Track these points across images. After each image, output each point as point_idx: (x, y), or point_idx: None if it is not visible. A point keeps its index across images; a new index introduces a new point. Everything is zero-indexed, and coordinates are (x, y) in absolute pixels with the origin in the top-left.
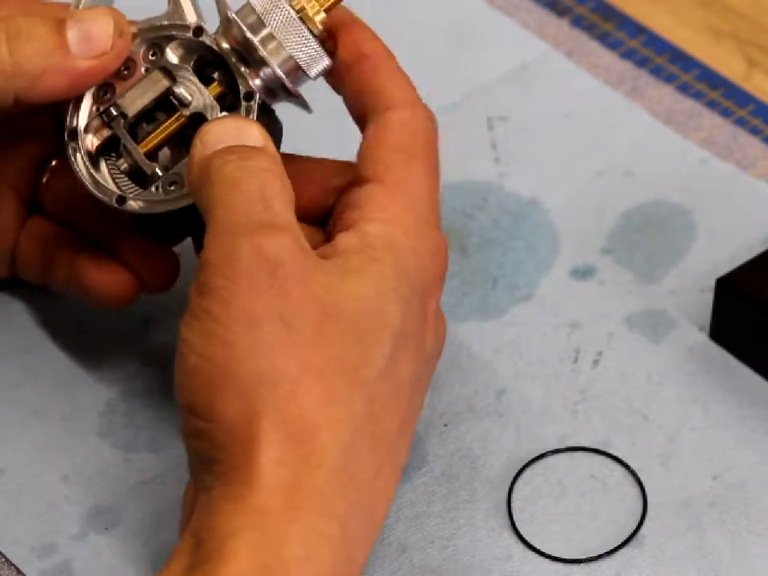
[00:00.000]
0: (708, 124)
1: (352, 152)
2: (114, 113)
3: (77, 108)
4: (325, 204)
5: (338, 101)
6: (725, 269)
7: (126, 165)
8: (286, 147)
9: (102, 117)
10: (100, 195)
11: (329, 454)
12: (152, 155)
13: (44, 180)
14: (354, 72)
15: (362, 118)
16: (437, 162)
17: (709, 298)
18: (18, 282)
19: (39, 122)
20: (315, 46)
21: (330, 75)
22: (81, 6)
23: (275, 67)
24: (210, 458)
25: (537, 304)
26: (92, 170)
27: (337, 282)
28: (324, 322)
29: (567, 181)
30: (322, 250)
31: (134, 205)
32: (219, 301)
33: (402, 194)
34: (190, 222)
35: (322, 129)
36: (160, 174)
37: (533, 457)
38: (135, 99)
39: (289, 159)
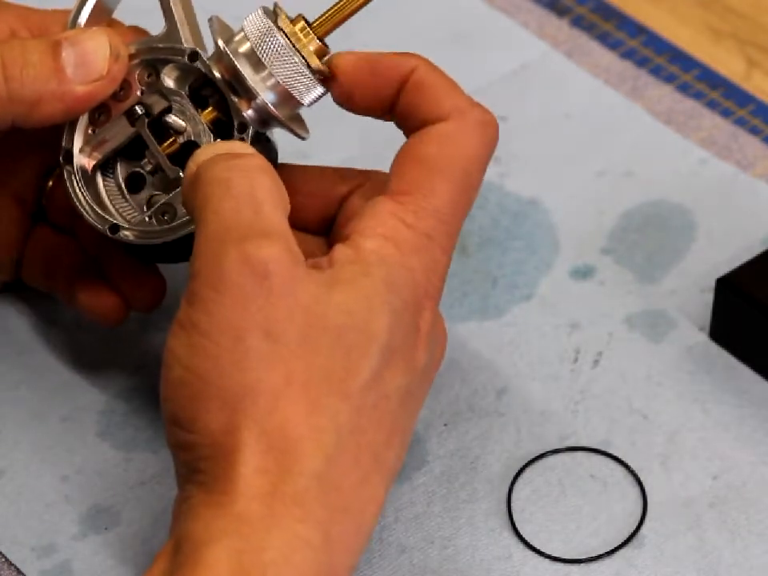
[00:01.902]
0: (708, 124)
1: (352, 154)
2: (139, 111)
3: (72, 130)
4: (329, 214)
5: (337, 107)
6: (725, 269)
7: (149, 166)
8: (285, 153)
9: (126, 116)
10: (93, 222)
11: (310, 462)
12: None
13: (49, 185)
14: (399, 98)
15: None
16: (473, 181)
17: (709, 298)
18: (22, 285)
19: (42, 132)
20: (308, 75)
21: (373, 112)
22: (80, 17)
23: (264, 98)
24: (193, 469)
25: (537, 304)
26: (87, 196)
27: (326, 293)
28: (310, 334)
29: (567, 181)
30: (318, 260)
31: (127, 234)
32: (206, 313)
33: (410, 209)
34: (182, 252)
35: (321, 130)
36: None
37: (533, 457)
38: (157, 101)
39: (290, 170)
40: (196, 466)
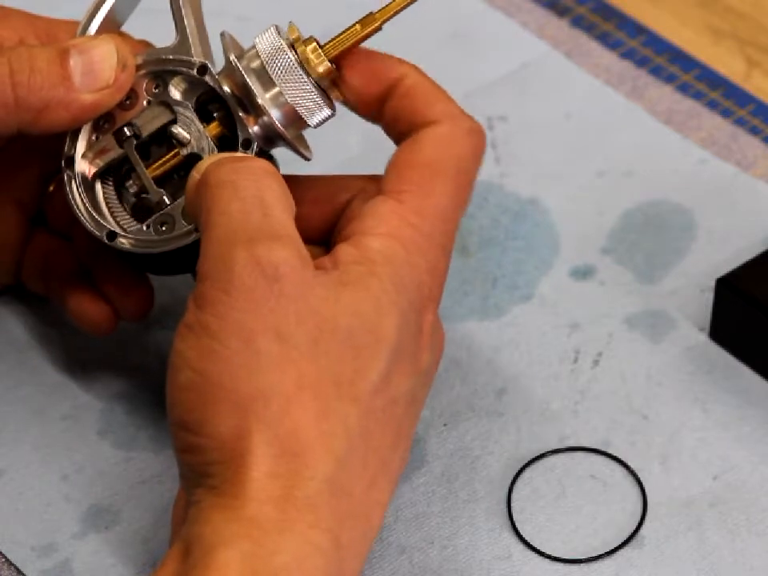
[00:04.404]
0: (708, 124)
1: (352, 155)
2: (128, 133)
3: (75, 136)
4: (331, 222)
5: (337, 108)
6: (725, 269)
7: (134, 187)
8: (287, 154)
9: (114, 136)
10: (91, 229)
11: (321, 467)
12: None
13: (50, 189)
14: (388, 102)
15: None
16: (467, 182)
17: (709, 298)
18: (23, 285)
19: (45, 138)
20: (316, 96)
21: (365, 113)
22: (91, 25)
23: (272, 116)
24: (202, 472)
25: (537, 304)
26: (86, 201)
27: (334, 296)
28: (320, 337)
29: (567, 181)
30: (321, 261)
31: (123, 242)
32: (216, 315)
33: (411, 208)
34: (178, 264)
35: (321, 132)
36: (168, 201)
37: (533, 457)
38: (149, 121)
39: (292, 179)
40: (205, 470)
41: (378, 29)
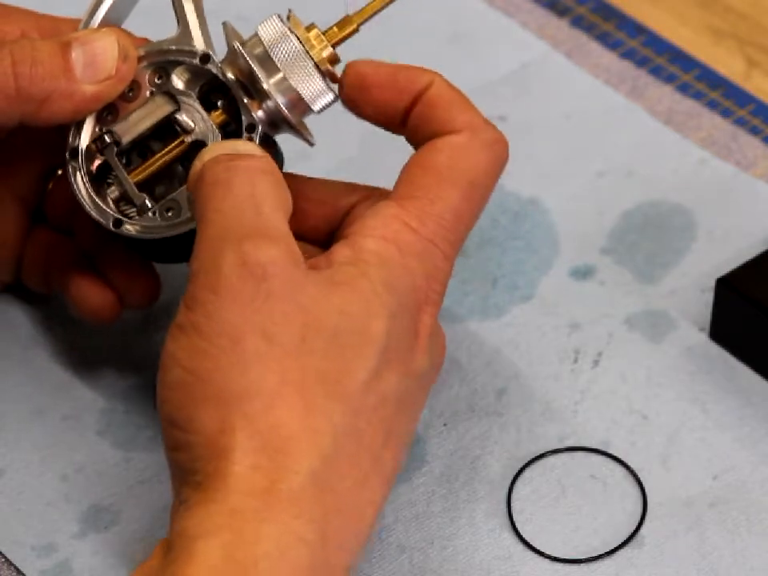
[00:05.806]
0: (708, 124)
1: (351, 155)
2: (108, 140)
3: (79, 127)
4: (334, 224)
5: (337, 108)
6: (725, 269)
7: (116, 193)
8: (286, 154)
9: (96, 144)
10: (97, 217)
11: (306, 462)
12: (150, 181)
13: (49, 187)
14: (412, 111)
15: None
16: (480, 194)
17: (709, 298)
18: (23, 285)
19: (46, 133)
20: (320, 81)
21: (390, 127)
22: (90, 24)
23: (277, 100)
24: (188, 470)
25: (537, 304)
26: (91, 191)
27: (324, 295)
28: (307, 335)
29: (567, 181)
30: (316, 260)
31: (130, 229)
32: (205, 315)
33: (414, 213)
34: (184, 250)
35: (321, 131)
36: (149, 205)
37: (533, 457)
38: (134, 125)
39: (297, 180)
40: (191, 467)
41: (356, 30)
